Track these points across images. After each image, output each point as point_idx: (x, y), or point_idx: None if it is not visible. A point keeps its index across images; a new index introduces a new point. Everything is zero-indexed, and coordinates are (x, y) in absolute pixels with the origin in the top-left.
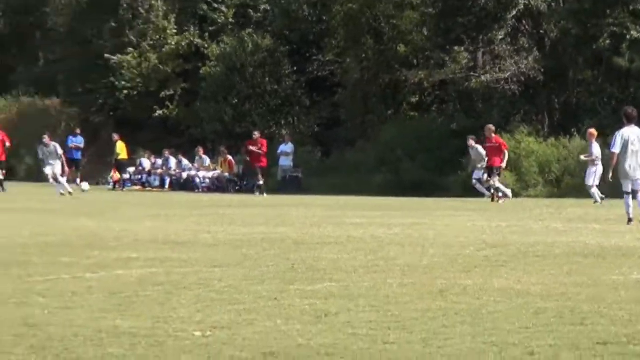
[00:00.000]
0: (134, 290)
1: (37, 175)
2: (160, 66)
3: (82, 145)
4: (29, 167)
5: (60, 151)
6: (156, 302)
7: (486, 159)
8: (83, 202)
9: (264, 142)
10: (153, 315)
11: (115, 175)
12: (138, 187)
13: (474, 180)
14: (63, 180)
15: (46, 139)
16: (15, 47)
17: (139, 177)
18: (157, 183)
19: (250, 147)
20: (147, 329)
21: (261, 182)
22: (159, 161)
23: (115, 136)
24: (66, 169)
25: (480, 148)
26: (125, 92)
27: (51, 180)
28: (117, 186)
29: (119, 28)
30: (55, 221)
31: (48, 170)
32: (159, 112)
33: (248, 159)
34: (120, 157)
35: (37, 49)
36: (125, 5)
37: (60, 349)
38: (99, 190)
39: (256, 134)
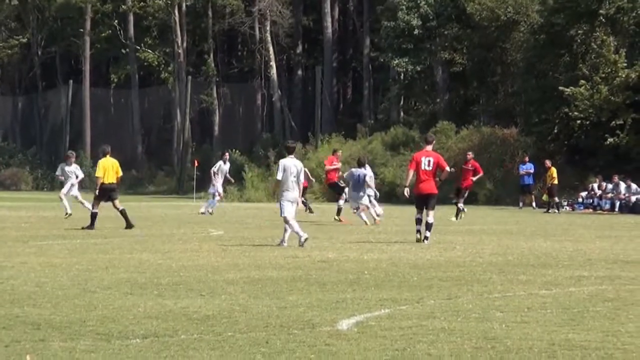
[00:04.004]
0: (585, 306)
1: (495, 199)
2: (611, 97)
3: (532, 171)
4: (489, 192)
5: (79, 173)
6: (606, 317)
7: None
8: (537, 224)
9: None
10: (603, 329)
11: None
12: (589, 210)
13: None
14: (65, 199)
15: (71, 158)
16: (476, 81)
17: (590, 200)
18: (607, 206)
19: None
20: (597, 342)
21: None
22: (609, 186)
23: (548, 162)
24: (73, 192)
25: None
26: (578, 122)
27: (61, 195)
28: (550, 210)
29: (573, 62)
30: (512, 242)
31: (66, 188)
32: (610, 140)
33: None
34: (554, 182)
35: (496, 82)
36: (579, 41)
37: None
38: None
39: None
